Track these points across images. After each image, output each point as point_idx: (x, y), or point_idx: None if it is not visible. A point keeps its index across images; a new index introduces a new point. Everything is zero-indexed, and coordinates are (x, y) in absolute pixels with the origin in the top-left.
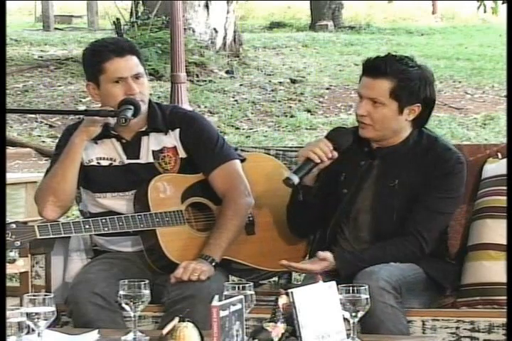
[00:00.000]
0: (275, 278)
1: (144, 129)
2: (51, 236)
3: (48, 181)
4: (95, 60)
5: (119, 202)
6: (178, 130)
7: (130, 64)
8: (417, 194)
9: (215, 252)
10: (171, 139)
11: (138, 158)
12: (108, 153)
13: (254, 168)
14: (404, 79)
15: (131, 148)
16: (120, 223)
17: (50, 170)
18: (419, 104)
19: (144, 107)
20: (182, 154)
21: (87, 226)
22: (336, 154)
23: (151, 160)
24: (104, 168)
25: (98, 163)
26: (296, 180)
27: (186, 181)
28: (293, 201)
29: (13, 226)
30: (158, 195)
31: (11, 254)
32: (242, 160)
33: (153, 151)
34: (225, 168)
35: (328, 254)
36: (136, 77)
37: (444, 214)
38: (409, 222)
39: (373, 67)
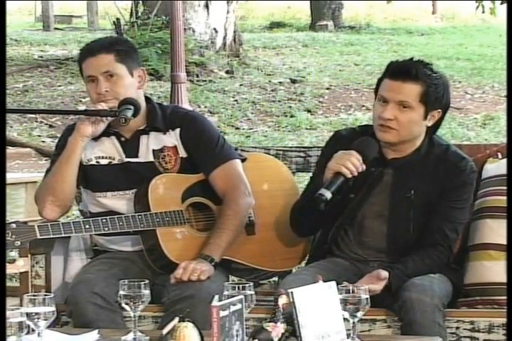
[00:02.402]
0: (275, 278)
1: (142, 128)
2: (51, 236)
3: (46, 181)
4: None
5: (119, 202)
6: (178, 129)
7: (101, 62)
8: (433, 204)
9: (214, 252)
10: (172, 138)
11: (137, 156)
12: (107, 151)
13: (255, 168)
14: (431, 84)
15: (130, 146)
16: (120, 223)
17: (49, 170)
18: (440, 110)
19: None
20: (182, 153)
21: (88, 226)
22: (364, 167)
23: (151, 159)
24: (103, 167)
25: (97, 162)
26: (329, 195)
27: (187, 181)
28: (310, 209)
29: (14, 226)
30: (158, 195)
31: (11, 254)
32: (243, 160)
33: (153, 150)
34: (226, 167)
35: (386, 274)
36: (109, 75)
37: (462, 224)
38: (435, 233)
39: (402, 71)
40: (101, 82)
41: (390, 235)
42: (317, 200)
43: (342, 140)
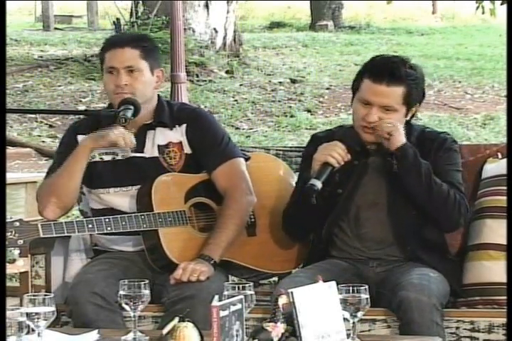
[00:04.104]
0: (275, 278)
1: (149, 122)
2: (54, 235)
3: (50, 182)
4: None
5: (121, 199)
6: (184, 125)
7: (125, 56)
8: None
9: (214, 252)
10: (177, 134)
11: (142, 151)
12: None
13: (256, 168)
14: (413, 84)
15: (136, 141)
16: (123, 223)
17: (52, 169)
18: (418, 104)
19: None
20: (187, 150)
21: (90, 226)
22: (349, 156)
23: (155, 154)
24: (106, 163)
25: (101, 158)
26: (319, 185)
27: (189, 181)
28: (302, 204)
29: (17, 224)
30: (161, 195)
31: (14, 252)
32: (247, 159)
33: (158, 146)
34: (229, 165)
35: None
36: (130, 70)
37: (462, 185)
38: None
39: (386, 74)
40: (122, 75)
41: (390, 221)
42: (308, 191)
43: (320, 141)
